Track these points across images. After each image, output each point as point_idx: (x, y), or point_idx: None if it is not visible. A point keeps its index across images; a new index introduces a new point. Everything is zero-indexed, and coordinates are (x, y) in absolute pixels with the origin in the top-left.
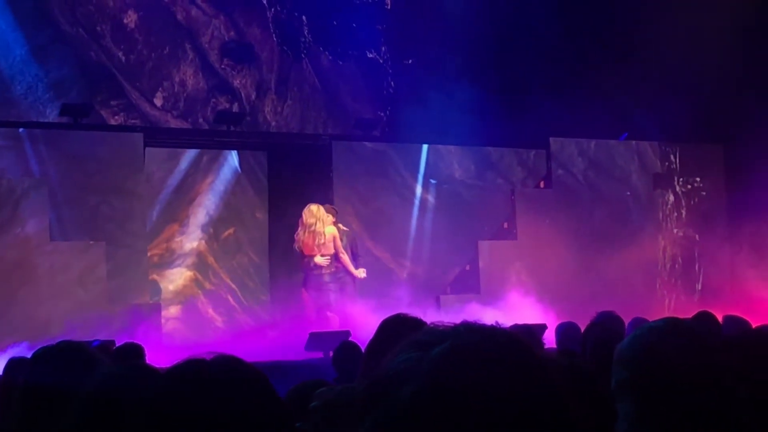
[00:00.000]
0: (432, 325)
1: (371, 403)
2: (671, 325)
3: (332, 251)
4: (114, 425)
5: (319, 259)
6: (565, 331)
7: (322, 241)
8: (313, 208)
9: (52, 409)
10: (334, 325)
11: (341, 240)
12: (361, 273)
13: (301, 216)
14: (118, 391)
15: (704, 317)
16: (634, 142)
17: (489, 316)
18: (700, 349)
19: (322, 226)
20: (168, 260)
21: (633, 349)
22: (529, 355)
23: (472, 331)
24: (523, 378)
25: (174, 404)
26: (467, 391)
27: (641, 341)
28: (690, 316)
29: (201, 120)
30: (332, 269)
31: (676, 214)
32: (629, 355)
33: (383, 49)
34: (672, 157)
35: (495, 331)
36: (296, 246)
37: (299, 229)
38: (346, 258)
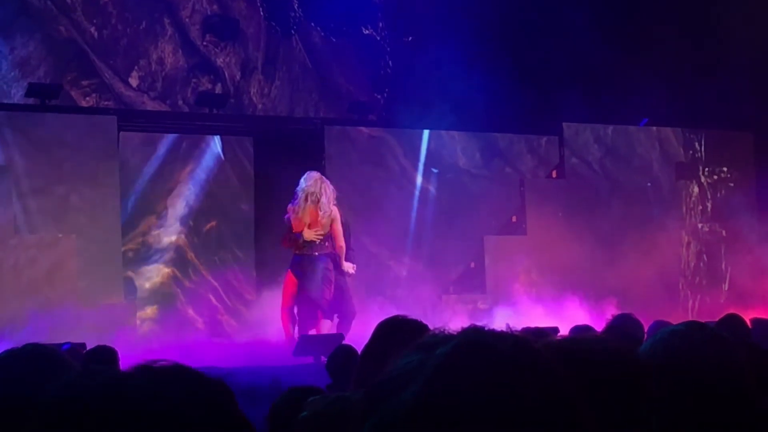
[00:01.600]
0: (437, 329)
1: (370, 408)
2: (695, 329)
3: (326, 232)
4: None
5: (308, 233)
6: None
7: (325, 220)
8: (316, 176)
9: (17, 419)
10: (322, 325)
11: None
12: (349, 268)
13: (300, 184)
14: (84, 397)
15: (732, 320)
16: (655, 128)
17: (495, 317)
18: (726, 356)
19: (327, 200)
20: (144, 256)
21: (653, 355)
22: (537, 360)
23: (479, 333)
24: (530, 383)
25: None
26: (471, 394)
27: (662, 346)
28: (716, 318)
29: (180, 102)
30: (326, 250)
31: (700, 207)
32: (653, 360)
33: (380, 25)
34: (697, 144)
35: (503, 334)
36: (287, 217)
37: (298, 198)
38: (343, 246)
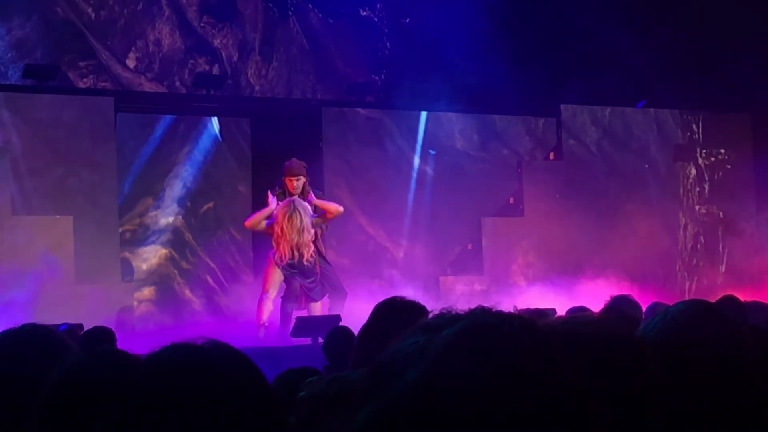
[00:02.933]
0: (444, 309)
1: (374, 387)
2: (697, 307)
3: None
4: (87, 414)
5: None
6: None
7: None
8: (297, 222)
9: (16, 399)
10: (312, 308)
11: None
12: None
13: (280, 217)
14: (91, 377)
15: (728, 302)
16: (652, 109)
17: (493, 298)
18: (729, 335)
19: (309, 233)
20: (141, 237)
21: (654, 334)
22: (544, 342)
23: (486, 314)
24: (536, 365)
25: (159, 391)
26: (477, 377)
27: (664, 324)
28: (713, 300)
29: (178, 83)
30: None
31: (698, 188)
32: (656, 340)
33: (378, 6)
34: (694, 126)
35: (510, 316)
36: (273, 254)
37: (280, 238)
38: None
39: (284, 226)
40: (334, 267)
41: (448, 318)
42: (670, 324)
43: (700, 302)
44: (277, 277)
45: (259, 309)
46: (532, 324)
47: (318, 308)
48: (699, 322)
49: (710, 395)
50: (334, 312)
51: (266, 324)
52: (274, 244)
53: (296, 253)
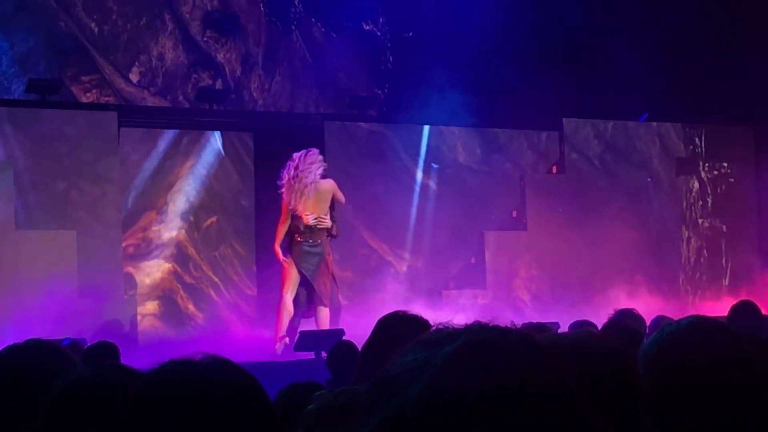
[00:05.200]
0: (442, 325)
1: (375, 403)
2: (700, 323)
3: (326, 212)
4: (88, 430)
5: (310, 219)
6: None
7: (323, 198)
8: (315, 162)
9: (20, 414)
10: (320, 313)
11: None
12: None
13: (297, 166)
14: (93, 392)
15: (745, 307)
16: (655, 123)
17: (496, 312)
18: (733, 350)
19: (323, 181)
20: (144, 251)
21: (657, 352)
22: (542, 357)
23: (484, 330)
24: (534, 380)
25: (159, 407)
26: (477, 392)
27: (667, 343)
28: (715, 314)
29: (181, 97)
30: (324, 236)
31: (701, 202)
32: (652, 357)
33: (381, 20)
34: (697, 139)
35: (508, 331)
36: (286, 203)
37: (294, 185)
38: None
39: (295, 181)
40: (333, 280)
41: (446, 334)
42: (674, 338)
43: (700, 317)
44: (294, 276)
45: (279, 317)
46: (530, 338)
47: (326, 314)
48: (704, 336)
49: (716, 408)
50: (332, 325)
51: (287, 339)
52: (293, 202)
53: (309, 218)
